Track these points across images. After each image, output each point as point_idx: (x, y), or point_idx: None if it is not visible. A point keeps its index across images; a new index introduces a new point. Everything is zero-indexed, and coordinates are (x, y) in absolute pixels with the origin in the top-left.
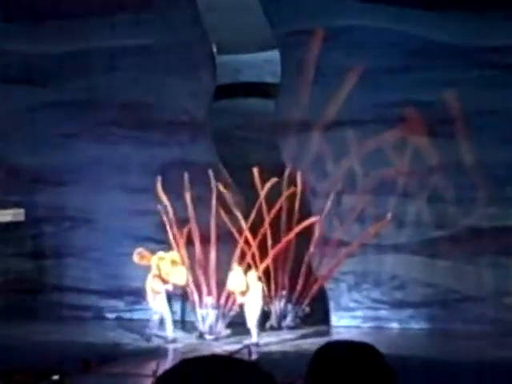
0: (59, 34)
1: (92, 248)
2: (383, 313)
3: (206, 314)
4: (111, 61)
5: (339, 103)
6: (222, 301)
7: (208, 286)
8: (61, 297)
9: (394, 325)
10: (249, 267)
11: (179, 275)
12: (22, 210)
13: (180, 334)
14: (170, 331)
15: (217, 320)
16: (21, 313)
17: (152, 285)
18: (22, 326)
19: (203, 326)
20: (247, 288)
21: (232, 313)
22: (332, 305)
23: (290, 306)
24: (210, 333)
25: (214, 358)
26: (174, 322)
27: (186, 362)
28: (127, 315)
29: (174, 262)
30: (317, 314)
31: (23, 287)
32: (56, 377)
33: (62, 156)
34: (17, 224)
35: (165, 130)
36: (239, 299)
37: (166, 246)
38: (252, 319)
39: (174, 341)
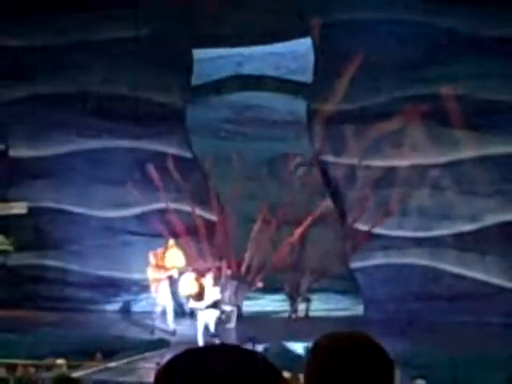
0: (41, 29)
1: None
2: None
3: None
4: (89, 54)
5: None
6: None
7: None
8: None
9: (429, 317)
10: (205, 271)
11: (176, 258)
12: (24, 203)
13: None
14: (170, 322)
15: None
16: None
17: (153, 275)
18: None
19: None
20: (202, 291)
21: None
22: (365, 296)
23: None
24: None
25: (218, 347)
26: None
27: (190, 351)
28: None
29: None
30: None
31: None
32: (60, 360)
33: (40, 147)
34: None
35: (141, 122)
36: (192, 304)
37: (146, 237)
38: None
39: (174, 333)
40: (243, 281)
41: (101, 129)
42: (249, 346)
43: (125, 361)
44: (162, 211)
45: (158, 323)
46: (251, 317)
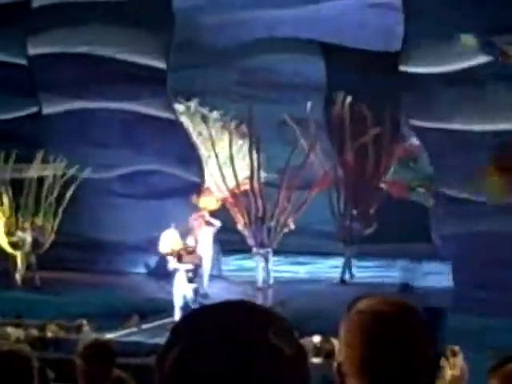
0: None
1: None
2: None
3: None
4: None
5: None
6: None
7: None
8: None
9: None
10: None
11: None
12: (62, 164)
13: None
14: (206, 283)
15: None
16: None
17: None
18: None
19: None
20: (184, 251)
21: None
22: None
23: None
24: None
25: (231, 303)
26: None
27: (203, 308)
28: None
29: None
30: None
31: None
32: (83, 321)
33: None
34: None
35: (127, 84)
36: (173, 263)
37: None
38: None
39: (206, 296)
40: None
41: (86, 90)
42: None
43: (157, 323)
44: (146, 172)
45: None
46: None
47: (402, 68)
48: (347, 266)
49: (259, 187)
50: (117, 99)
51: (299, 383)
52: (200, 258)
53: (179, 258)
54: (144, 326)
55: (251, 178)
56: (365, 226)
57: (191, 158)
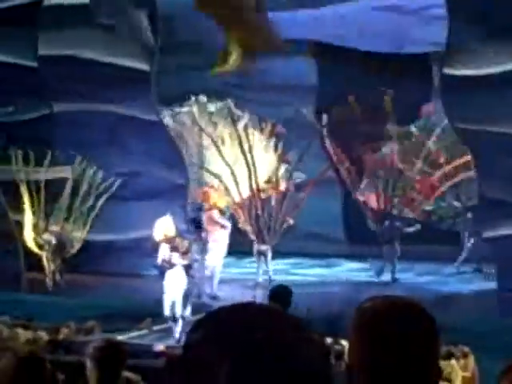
0: None
1: None
2: None
3: None
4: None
5: None
6: None
7: None
8: None
9: None
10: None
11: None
12: (68, 167)
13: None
14: (215, 285)
15: None
16: None
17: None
18: None
19: None
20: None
21: None
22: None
23: None
24: None
25: (248, 305)
26: None
27: (222, 309)
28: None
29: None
30: None
31: None
32: (95, 323)
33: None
34: None
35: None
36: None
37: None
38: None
39: (215, 297)
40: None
41: (74, 92)
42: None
43: (168, 325)
44: (133, 174)
45: (202, 287)
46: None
47: (446, 70)
48: (390, 268)
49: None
50: (102, 101)
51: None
52: (191, 259)
53: (173, 248)
54: (155, 328)
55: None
56: (407, 224)
57: (175, 160)
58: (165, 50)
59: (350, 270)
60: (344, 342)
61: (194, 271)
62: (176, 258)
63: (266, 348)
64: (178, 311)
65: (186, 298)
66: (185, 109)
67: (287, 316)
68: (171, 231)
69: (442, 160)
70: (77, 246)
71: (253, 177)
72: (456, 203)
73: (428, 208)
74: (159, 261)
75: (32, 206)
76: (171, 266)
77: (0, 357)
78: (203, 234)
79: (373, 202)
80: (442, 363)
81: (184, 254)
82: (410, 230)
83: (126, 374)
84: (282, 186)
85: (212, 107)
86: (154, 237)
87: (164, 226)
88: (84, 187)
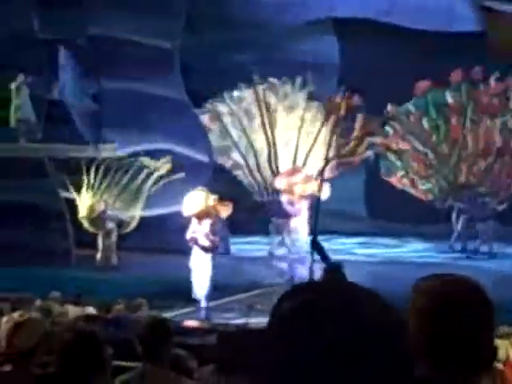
0: None
1: None
2: None
3: None
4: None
5: None
6: None
7: None
8: None
9: None
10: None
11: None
12: (114, 145)
13: None
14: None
15: None
16: None
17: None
18: None
19: None
20: (206, 210)
21: None
22: None
23: None
24: None
25: (341, 282)
26: None
27: (313, 283)
28: None
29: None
30: None
31: None
32: (143, 300)
33: None
34: None
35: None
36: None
37: None
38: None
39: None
40: None
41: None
42: None
43: (215, 303)
44: (160, 151)
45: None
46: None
47: None
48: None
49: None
50: (128, 80)
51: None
52: (214, 241)
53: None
54: (203, 306)
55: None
56: (498, 201)
57: (199, 138)
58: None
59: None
60: None
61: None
62: (201, 237)
63: (367, 324)
64: (203, 292)
65: (210, 278)
66: (248, 91)
67: (381, 296)
68: (209, 200)
69: None
70: (132, 223)
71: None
72: None
73: None
74: (187, 237)
75: (86, 184)
76: (197, 244)
77: (52, 333)
78: (282, 220)
79: None
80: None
81: (210, 233)
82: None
83: (176, 350)
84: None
85: (287, 88)
86: (184, 213)
87: (194, 201)
88: (135, 166)
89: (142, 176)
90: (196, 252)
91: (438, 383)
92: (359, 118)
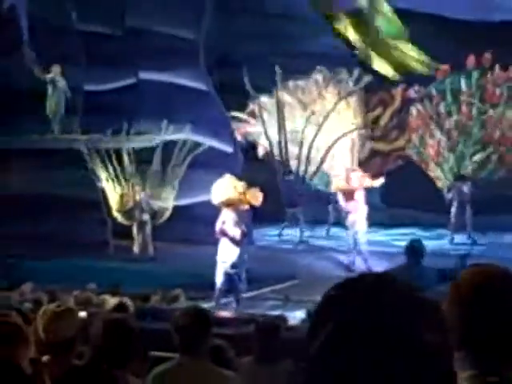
0: None
1: None
2: None
3: None
4: None
5: None
6: None
7: None
8: None
9: None
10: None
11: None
12: (151, 136)
13: None
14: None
15: None
16: None
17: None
18: None
19: None
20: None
21: None
22: None
23: None
24: None
25: (388, 277)
26: None
27: (364, 276)
28: None
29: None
30: None
31: None
32: (180, 291)
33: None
34: None
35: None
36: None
37: None
38: None
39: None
40: None
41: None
42: None
43: (252, 293)
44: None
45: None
46: None
47: None
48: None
49: None
50: (151, 70)
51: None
52: (242, 230)
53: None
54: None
55: None
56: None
57: (223, 129)
58: None
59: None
60: None
61: None
62: (229, 226)
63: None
64: (233, 289)
65: (238, 274)
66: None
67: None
68: (239, 187)
69: None
70: (167, 213)
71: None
72: None
73: None
74: (217, 228)
75: (121, 174)
76: (226, 235)
77: (89, 322)
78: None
79: None
80: None
81: (241, 223)
82: None
83: (216, 341)
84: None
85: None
86: (213, 201)
87: (222, 188)
88: (174, 156)
89: (179, 165)
90: (224, 244)
91: (473, 375)
92: (413, 110)
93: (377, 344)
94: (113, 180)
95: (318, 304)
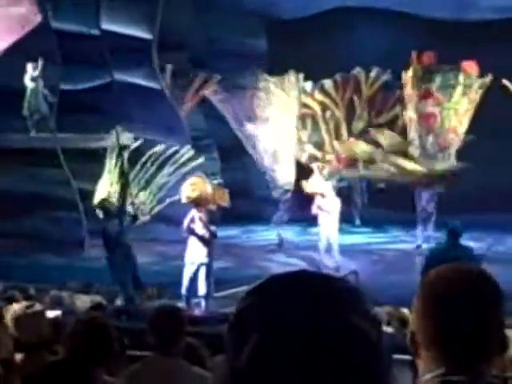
0: None
1: None
2: None
3: None
4: None
5: None
6: None
7: None
8: None
9: None
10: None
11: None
12: (131, 135)
13: None
14: (336, 254)
15: None
16: None
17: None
18: None
19: None
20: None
21: None
22: None
23: None
24: None
25: (302, 273)
26: None
27: (275, 277)
28: None
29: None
30: None
31: None
32: (154, 289)
33: None
34: None
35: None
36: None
37: None
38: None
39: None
40: None
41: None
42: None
43: (228, 292)
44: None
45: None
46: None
47: None
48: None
49: None
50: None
51: (379, 365)
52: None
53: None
54: (215, 295)
55: None
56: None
57: (177, 128)
58: None
59: None
60: (405, 311)
61: None
62: (198, 226)
63: (301, 327)
64: (201, 289)
65: (206, 274)
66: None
67: (347, 291)
68: (207, 187)
69: None
70: (147, 215)
71: None
72: None
73: None
74: (184, 226)
75: (100, 173)
76: (192, 233)
77: (64, 321)
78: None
79: None
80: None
81: (208, 223)
82: None
83: (188, 339)
84: None
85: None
86: (182, 199)
87: (191, 187)
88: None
89: (152, 166)
90: (192, 244)
91: (445, 371)
92: None
93: (307, 344)
94: (91, 179)
95: (232, 318)
